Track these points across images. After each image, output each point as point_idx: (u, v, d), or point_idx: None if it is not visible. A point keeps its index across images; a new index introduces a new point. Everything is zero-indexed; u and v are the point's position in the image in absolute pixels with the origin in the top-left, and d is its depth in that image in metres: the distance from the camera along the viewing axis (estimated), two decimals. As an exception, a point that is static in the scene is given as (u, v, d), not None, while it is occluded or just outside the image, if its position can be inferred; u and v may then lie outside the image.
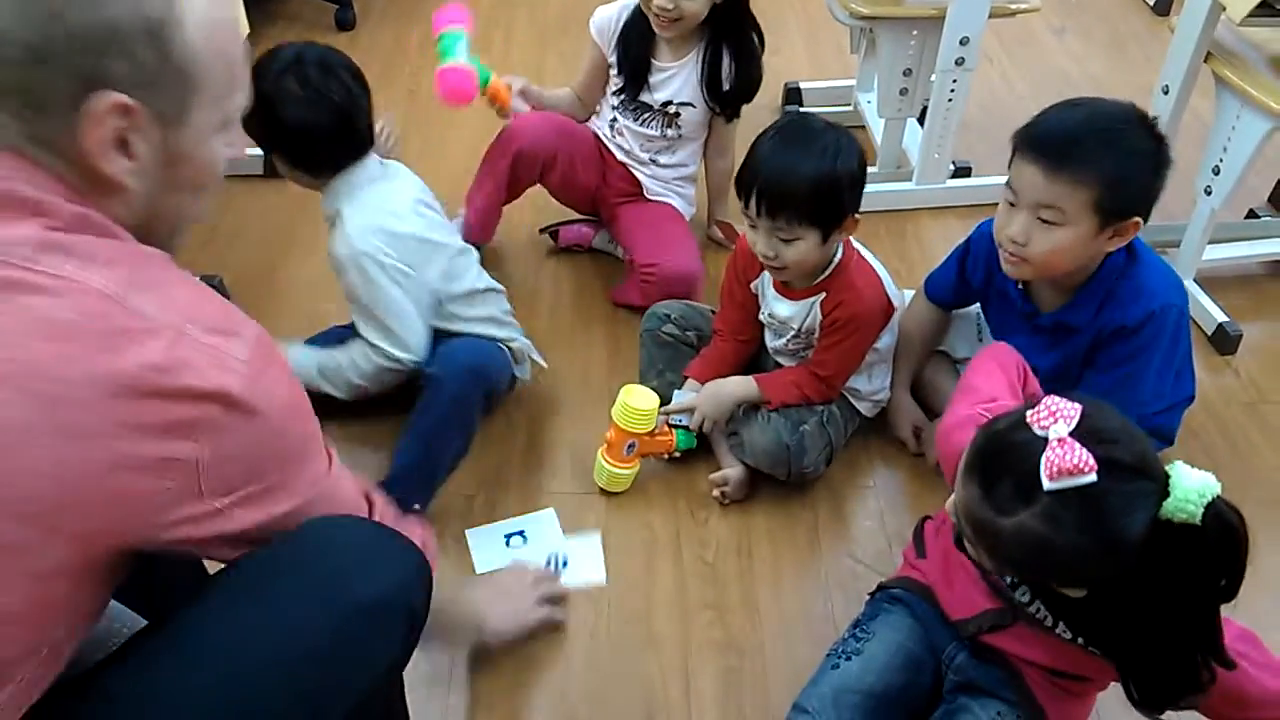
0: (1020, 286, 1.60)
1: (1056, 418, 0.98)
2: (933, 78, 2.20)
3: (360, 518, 1.02)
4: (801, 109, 2.63)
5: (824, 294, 1.62)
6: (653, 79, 2.00)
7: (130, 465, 0.80)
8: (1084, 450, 0.96)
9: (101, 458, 0.79)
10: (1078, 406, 0.99)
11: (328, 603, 0.92)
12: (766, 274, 1.68)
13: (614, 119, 2.08)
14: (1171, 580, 0.99)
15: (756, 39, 1.99)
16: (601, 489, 1.70)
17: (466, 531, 1.64)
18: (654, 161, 2.09)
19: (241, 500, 0.88)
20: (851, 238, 1.64)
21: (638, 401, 1.63)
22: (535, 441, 1.81)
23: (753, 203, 1.53)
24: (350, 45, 2.97)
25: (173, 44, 0.84)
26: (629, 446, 1.66)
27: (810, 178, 1.49)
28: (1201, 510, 0.95)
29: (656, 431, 1.68)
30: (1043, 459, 0.97)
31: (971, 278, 1.69)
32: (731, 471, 1.69)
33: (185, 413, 0.81)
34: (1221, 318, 2.02)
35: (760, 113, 2.69)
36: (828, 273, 1.62)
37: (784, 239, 1.54)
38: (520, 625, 1.44)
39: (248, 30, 0.90)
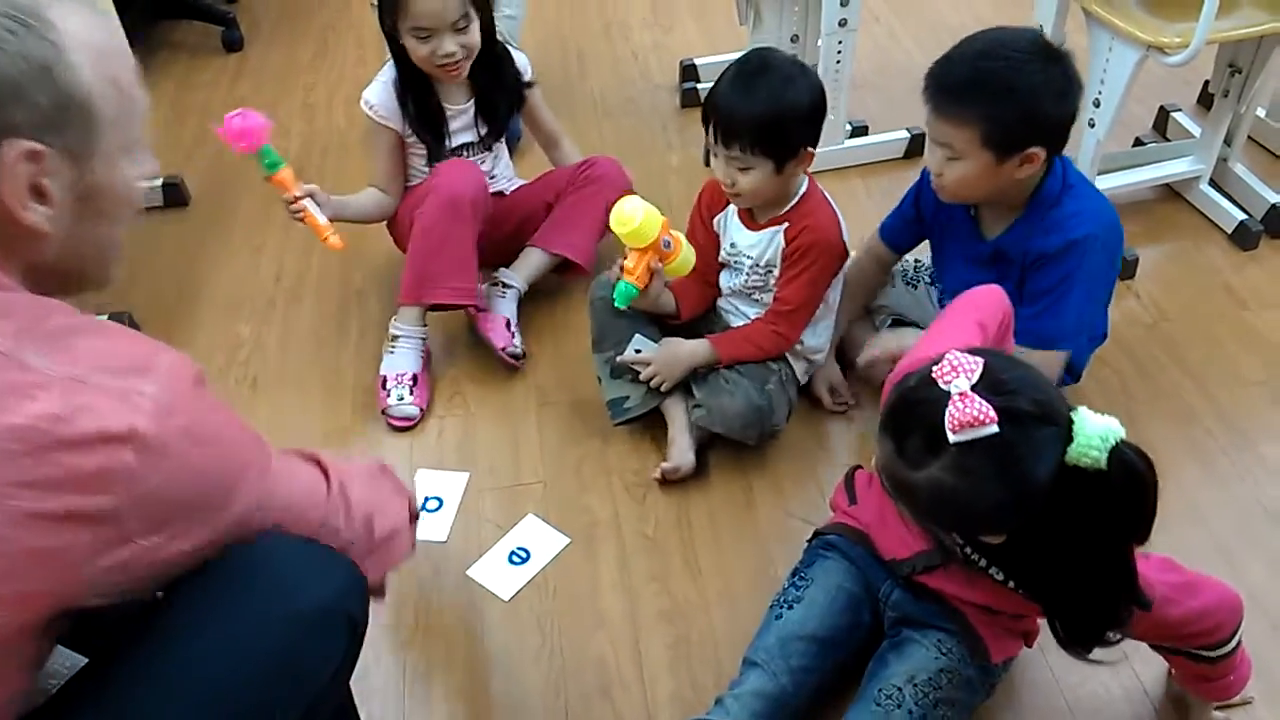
0: (971, 211, 1.65)
1: (958, 372, 1.00)
2: (819, 41, 2.23)
3: (289, 535, 0.99)
4: (698, 84, 2.66)
5: (786, 224, 1.69)
6: (451, 126, 1.95)
7: (40, 522, 0.77)
8: (984, 403, 0.98)
9: (7, 518, 0.76)
10: (980, 360, 1.01)
11: (269, 618, 0.92)
12: (731, 208, 1.73)
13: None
14: (1082, 524, 1.02)
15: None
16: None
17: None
18: (491, 177, 2.04)
19: (175, 533, 0.86)
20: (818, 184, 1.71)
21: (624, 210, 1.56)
22: (466, 440, 1.82)
23: (711, 131, 1.61)
24: (240, 66, 2.95)
25: (65, 82, 0.84)
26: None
27: (758, 110, 1.55)
28: (1106, 455, 0.98)
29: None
30: (946, 413, 0.99)
31: (924, 211, 1.75)
32: (684, 463, 1.71)
33: (93, 461, 0.78)
34: (1118, 245, 2.09)
35: (659, 92, 2.73)
36: (792, 203, 1.69)
37: (740, 167, 1.60)
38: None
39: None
